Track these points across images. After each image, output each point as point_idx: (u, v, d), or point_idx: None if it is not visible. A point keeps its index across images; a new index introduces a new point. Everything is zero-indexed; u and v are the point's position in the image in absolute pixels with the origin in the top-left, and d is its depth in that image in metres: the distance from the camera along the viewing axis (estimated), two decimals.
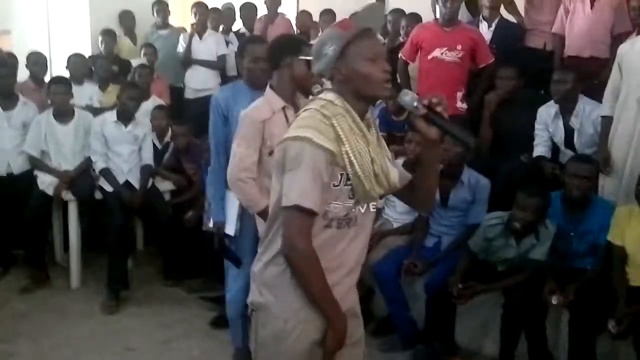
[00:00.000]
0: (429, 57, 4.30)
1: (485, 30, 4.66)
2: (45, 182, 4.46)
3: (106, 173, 4.38)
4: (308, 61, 2.73)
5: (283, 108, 2.83)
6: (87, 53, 5.82)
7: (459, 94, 4.28)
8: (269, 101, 2.84)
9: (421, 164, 1.82)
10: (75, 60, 5.19)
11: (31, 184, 4.50)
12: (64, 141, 4.50)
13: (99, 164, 4.39)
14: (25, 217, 4.40)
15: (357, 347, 1.94)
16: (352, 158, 1.64)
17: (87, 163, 4.50)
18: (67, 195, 4.45)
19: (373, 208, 1.80)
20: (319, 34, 5.69)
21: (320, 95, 1.75)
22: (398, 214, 3.94)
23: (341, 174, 1.66)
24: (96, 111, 4.82)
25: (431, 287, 3.41)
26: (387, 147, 1.83)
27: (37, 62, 5.12)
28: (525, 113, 3.98)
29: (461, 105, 4.29)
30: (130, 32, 6.22)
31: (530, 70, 4.31)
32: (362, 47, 1.68)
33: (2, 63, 4.85)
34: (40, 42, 6.25)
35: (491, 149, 4.19)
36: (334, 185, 1.66)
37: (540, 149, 3.86)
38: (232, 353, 3.35)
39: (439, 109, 1.66)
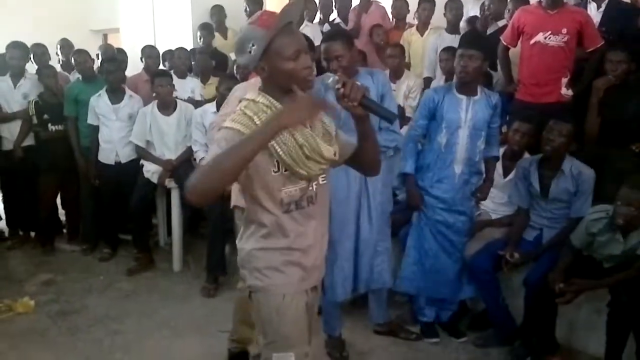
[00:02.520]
0: (532, 41, 4.09)
1: (594, 12, 4.36)
2: (150, 171, 4.69)
3: None
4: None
5: None
6: (190, 47, 6.03)
7: (564, 80, 4.04)
8: None
9: (358, 137, 1.95)
10: (178, 55, 5.40)
11: (137, 173, 4.75)
12: (167, 132, 4.69)
13: (199, 154, 4.53)
14: (131, 203, 4.66)
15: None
16: (277, 148, 1.79)
17: (189, 152, 4.67)
18: (170, 183, 4.66)
19: (323, 180, 1.96)
20: (416, 23, 5.66)
21: (246, 95, 1.88)
22: (496, 205, 3.80)
23: (277, 161, 1.81)
24: (198, 104, 4.99)
25: (530, 282, 3.27)
26: (327, 122, 1.94)
27: (150, 55, 5.43)
28: (637, 99, 3.70)
29: (566, 92, 4.05)
30: (221, 26, 6.37)
31: None
32: (282, 46, 1.77)
33: (111, 59, 5.15)
34: (146, 38, 6.55)
35: (599, 138, 3.93)
36: (274, 172, 1.82)
37: None
38: (324, 339, 3.37)
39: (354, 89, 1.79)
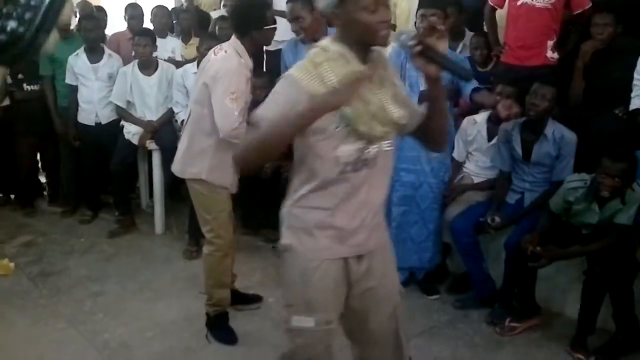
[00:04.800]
0: (519, 2, 4.01)
1: None
2: (131, 132, 4.61)
3: None
4: (273, 28, 2.87)
5: (251, 70, 2.92)
6: (171, 6, 5.88)
7: (550, 43, 3.99)
8: (247, 63, 2.87)
9: (427, 102, 1.83)
10: (157, 13, 5.26)
11: (117, 134, 4.67)
12: (148, 92, 4.60)
13: (180, 115, 4.46)
14: (112, 165, 4.60)
15: (385, 288, 1.97)
16: None
17: (170, 114, 4.60)
18: (151, 145, 4.60)
19: (387, 147, 1.83)
20: None
21: (318, 43, 1.79)
22: (480, 168, 3.79)
23: (339, 116, 1.70)
24: (179, 64, 4.88)
25: (511, 245, 3.28)
26: (399, 86, 1.84)
27: (133, 15, 5.24)
28: (623, 62, 3.65)
29: (552, 54, 4.00)
30: None
31: (631, 15, 3.94)
32: None
33: (89, 16, 4.99)
34: None
35: (584, 102, 3.90)
36: (336, 128, 1.71)
37: (638, 101, 3.54)
38: None
39: (435, 36, 1.65)
